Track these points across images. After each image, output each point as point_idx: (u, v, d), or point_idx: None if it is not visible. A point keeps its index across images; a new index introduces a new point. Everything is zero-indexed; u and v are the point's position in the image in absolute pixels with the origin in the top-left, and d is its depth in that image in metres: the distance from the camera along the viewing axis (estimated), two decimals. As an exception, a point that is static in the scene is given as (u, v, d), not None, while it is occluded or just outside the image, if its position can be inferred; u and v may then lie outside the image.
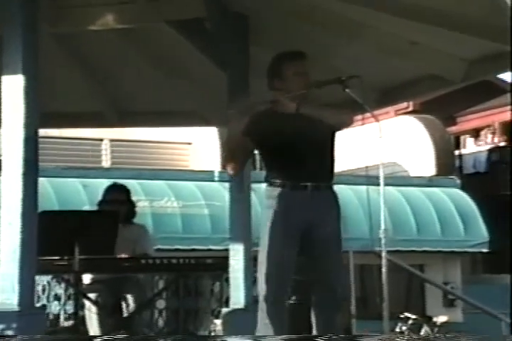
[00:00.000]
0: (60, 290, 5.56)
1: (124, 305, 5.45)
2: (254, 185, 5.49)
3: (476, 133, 20.70)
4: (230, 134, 4.26)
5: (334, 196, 4.23)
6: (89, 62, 6.34)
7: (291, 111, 4.11)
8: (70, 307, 5.37)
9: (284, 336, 3.78)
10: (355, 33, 5.07)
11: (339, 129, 4.21)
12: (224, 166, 4.51)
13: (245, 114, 4.13)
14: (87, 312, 5.37)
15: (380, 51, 5.22)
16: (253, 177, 5.55)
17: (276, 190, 4.12)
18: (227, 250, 5.38)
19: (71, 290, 5.35)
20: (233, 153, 4.21)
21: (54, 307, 5.52)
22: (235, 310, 5.20)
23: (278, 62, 4.21)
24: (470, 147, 19.19)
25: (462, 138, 20.22)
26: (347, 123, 4.23)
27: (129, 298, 5.48)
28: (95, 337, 4.04)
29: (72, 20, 5.35)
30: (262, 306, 4.06)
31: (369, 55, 5.27)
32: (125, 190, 5.86)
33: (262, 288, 4.07)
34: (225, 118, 5.63)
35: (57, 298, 5.54)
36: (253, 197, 5.60)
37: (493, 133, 19.92)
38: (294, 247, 4.08)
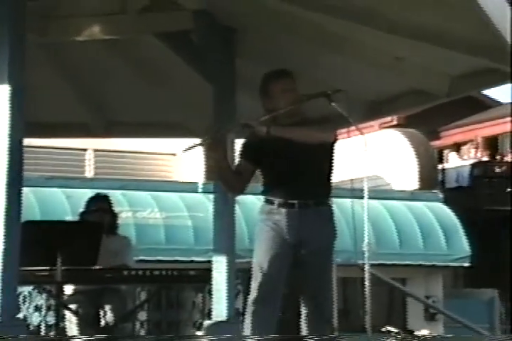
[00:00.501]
0: (41, 301, 5.52)
1: (105, 316, 5.42)
2: (238, 198, 5.49)
3: (457, 147, 20.80)
4: (215, 163, 4.32)
5: (326, 213, 4.23)
6: (75, 72, 6.34)
7: (263, 135, 4.16)
8: (51, 319, 5.33)
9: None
10: (341, 47, 5.10)
11: (323, 144, 4.22)
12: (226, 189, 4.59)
13: (220, 142, 4.23)
14: (67, 324, 5.34)
15: (366, 65, 5.24)
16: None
17: (267, 207, 4.22)
18: (210, 262, 5.37)
19: (52, 301, 5.31)
20: (228, 174, 4.29)
21: (35, 319, 5.49)
22: (217, 323, 5.18)
23: (265, 82, 4.30)
24: (452, 161, 19.27)
25: (445, 152, 20.32)
26: (325, 140, 4.23)
27: (111, 309, 5.45)
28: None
29: (60, 30, 5.34)
30: (250, 309, 4.11)
31: (355, 69, 5.30)
32: (108, 201, 5.84)
33: (253, 293, 4.13)
34: (209, 130, 5.65)
35: (38, 308, 5.51)
36: (237, 209, 5.60)
37: (476, 148, 20.02)
38: (283, 261, 4.13)
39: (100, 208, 5.71)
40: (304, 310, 4.18)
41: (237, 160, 4.41)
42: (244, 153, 4.31)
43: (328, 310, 4.20)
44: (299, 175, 4.17)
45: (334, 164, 4.36)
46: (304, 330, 4.15)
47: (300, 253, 4.15)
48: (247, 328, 4.09)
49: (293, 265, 4.16)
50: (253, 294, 4.12)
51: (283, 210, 4.15)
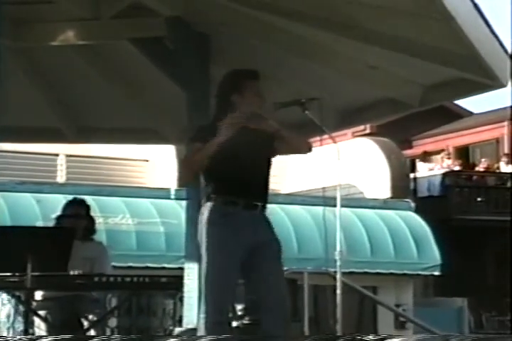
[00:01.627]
0: (10, 307, 5.46)
1: (75, 322, 5.38)
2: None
3: (427, 157, 20.94)
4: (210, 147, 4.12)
5: (266, 215, 4.18)
6: (48, 77, 6.31)
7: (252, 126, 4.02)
8: (19, 325, 5.28)
9: None
10: (315, 55, 5.12)
11: (287, 153, 4.20)
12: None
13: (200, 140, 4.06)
14: (36, 330, 5.29)
15: (340, 74, 5.27)
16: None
17: (226, 208, 4.04)
18: (181, 268, 5.35)
19: (21, 308, 5.26)
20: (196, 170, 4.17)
21: (3, 325, 5.43)
22: (187, 330, 5.16)
23: (238, 78, 4.13)
24: (421, 171, 19.38)
25: (417, 161, 20.45)
26: (304, 152, 4.20)
27: (81, 315, 5.41)
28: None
29: (33, 35, 5.32)
30: (202, 327, 4.03)
31: (329, 78, 5.32)
32: (85, 205, 5.79)
33: (202, 309, 4.03)
34: (183, 137, 5.63)
35: (6, 315, 5.45)
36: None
37: (449, 158, 20.17)
38: (237, 268, 4.04)
39: (76, 213, 5.66)
40: (261, 314, 4.11)
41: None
42: (201, 143, 4.03)
43: (285, 309, 4.11)
44: (256, 175, 4.07)
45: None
46: (262, 328, 4.10)
47: (256, 256, 4.05)
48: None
49: (250, 268, 4.06)
50: (204, 311, 4.00)
51: (248, 212, 4.02)
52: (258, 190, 4.09)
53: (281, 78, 5.23)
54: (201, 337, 3.71)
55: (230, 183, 4.06)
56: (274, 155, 4.17)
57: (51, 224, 5.87)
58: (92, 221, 5.75)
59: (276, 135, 4.07)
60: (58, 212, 5.72)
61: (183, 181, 4.50)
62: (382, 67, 5.09)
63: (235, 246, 4.02)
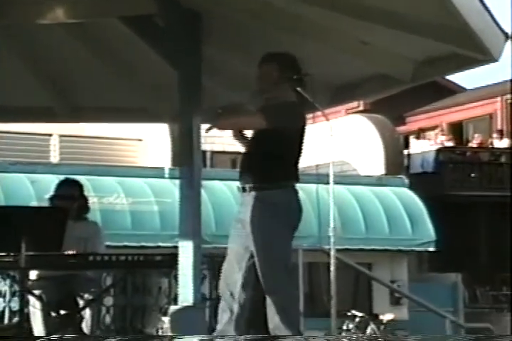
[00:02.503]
0: (4, 287, 5.47)
1: (70, 302, 5.39)
2: (204, 182, 5.48)
3: (420, 133, 20.93)
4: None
5: (261, 196, 4.24)
6: (38, 56, 6.27)
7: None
8: (15, 305, 5.29)
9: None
10: (306, 31, 5.09)
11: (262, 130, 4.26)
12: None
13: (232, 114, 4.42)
14: (31, 309, 5.30)
15: (331, 50, 5.24)
16: (204, 174, 5.54)
17: None
18: (176, 247, 5.36)
19: (16, 287, 5.27)
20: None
21: (-1, 305, 5.45)
22: (183, 308, 5.18)
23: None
24: (414, 147, 19.37)
25: (411, 137, 20.45)
26: (253, 127, 4.31)
27: (76, 294, 5.42)
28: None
29: (23, 13, 5.27)
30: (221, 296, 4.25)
31: (320, 54, 5.29)
32: (78, 185, 5.78)
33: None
34: (176, 115, 5.62)
35: (1, 294, 5.46)
36: (203, 194, 5.59)
37: (443, 134, 20.16)
38: (242, 246, 4.20)
39: (68, 193, 5.66)
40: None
41: None
42: None
43: (280, 297, 4.18)
44: (248, 160, 4.30)
45: (277, 149, 4.30)
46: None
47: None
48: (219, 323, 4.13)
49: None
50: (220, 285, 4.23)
51: (241, 195, 4.30)
52: (245, 173, 4.29)
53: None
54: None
55: None
56: (259, 139, 4.23)
57: (45, 204, 5.87)
58: (85, 200, 5.75)
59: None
60: (52, 193, 5.71)
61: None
62: (374, 43, 5.06)
63: (235, 225, 4.28)
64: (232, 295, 4.15)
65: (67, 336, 4.59)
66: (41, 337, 4.96)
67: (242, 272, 4.17)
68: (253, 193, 4.22)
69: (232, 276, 4.17)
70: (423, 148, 19.60)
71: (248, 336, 4.07)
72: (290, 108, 4.23)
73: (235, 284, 4.17)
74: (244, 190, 4.28)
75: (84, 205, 5.72)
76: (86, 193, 5.82)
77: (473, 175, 18.76)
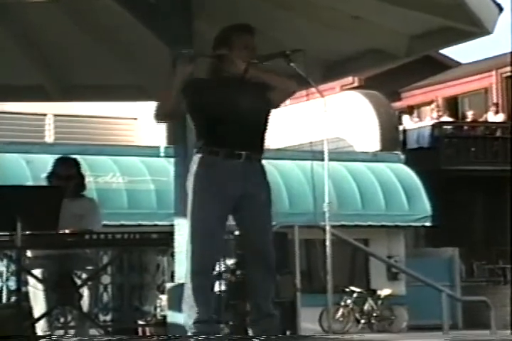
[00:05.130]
0: (1, 266, 5.49)
1: (67, 280, 5.40)
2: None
3: (411, 110, 20.87)
4: (175, 80, 4.13)
5: (264, 169, 4.15)
6: (28, 34, 6.23)
7: (238, 72, 4.03)
8: (12, 284, 5.31)
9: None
10: (298, 7, 5.07)
11: (282, 99, 4.16)
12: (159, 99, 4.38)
13: (189, 64, 4.08)
14: (31, 289, 5.32)
15: (323, 25, 5.22)
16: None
17: (209, 158, 4.04)
18: (173, 225, 5.36)
19: (13, 267, 5.28)
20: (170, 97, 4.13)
21: (-4, 284, 5.46)
22: (179, 285, 5.19)
23: (228, 33, 4.17)
24: (406, 124, 19.32)
25: (403, 115, 20.37)
26: (290, 92, 4.14)
27: (73, 273, 5.44)
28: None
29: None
30: (187, 278, 4.07)
31: (312, 29, 5.27)
32: (74, 164, 5.77)
33: (188, 266, 4.06)
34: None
35: (-1, 274, 5.47)
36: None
37: (439, 111, 20.13)
38: (219, 221, 4.04)
39: (65, 171, 5.65)
40: (248, 263, 4.13)
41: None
42: (188, 85, 4.07)
43: (270, 261, 4.10)
44: (248, 127, 4.04)
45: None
46: (250, 281, 4.13)
47: (244, 206, 4.04)
48: (188, 298, 4.03)
49: (237, 221, 4.09)
50: (191, 261, 4.04)
51: (230, 162, 4.00)
52: (243, 140, 4.05)
53: (264, 31, 5.17)
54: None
55: (213, 133, 4.06)
56: (269, 106, 4.15)
57: (41, 184, 5.86)
58: (82, 178, 5.74)
59: (267, 80, 4.05)
60: (48, 171, 5.70)
61: (155, 117, 4.43)
62: (366, 18, 5.04)
63: (216, 198, 4.01)
64: (211, 271, 4.09)
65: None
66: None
67: (222, 246, 4.13)
68: (250, 161, 4.04)
69: (212, 250, 4.09)
70: (419, 123, 19.59)
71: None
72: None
73: (214, 258, 4.12)
74: (238, 156, 4.00)
75: (81, 183, 5.71)
76: (82, 171, 5.81)
77: (468, 149, 18.78)
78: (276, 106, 4.18)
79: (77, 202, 5.55)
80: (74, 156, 6.02)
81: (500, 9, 4.72)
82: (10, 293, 5.40)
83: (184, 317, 4.10)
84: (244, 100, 4.07)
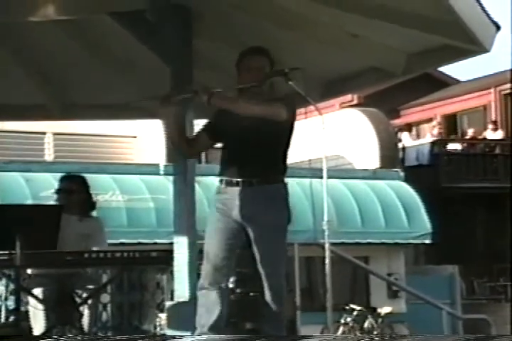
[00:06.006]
0: (1, 286, 5.47)
1: (67, 299, 5.39)
2: (199, 178, 5.47)
3: (410, 127, 20.88)
4: (165, 123, 4.39)
5: (272, 191, 4.21)
6: (31, 53, 6.26)
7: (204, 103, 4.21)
8: (11, 303, 5.29)
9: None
10: (297, 25, 5.09)
11: (273, 121, 4.20)
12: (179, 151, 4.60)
13: (168, 103, 4.31)
14: (31, 308, 5.30)
15: (322, 43, 5.24)
16: (198, 170, 5.53)
17: (218, 186, 4.31)
18: (173, 243, 5.36)
19: (12, 286, 5.27)
20: (176, 137, 4.36)
21: (-5, 303, 5.44)
22: (179, 304, 5.18)
23: (238, 57, 4.38)
24: (405, 141, 19.33)
25: (399, 133, 20.39)
26: (275, 117, 4.18)
27: (73, 292, 5.42)
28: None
29: (13, 10, 5.25)
30: (198, 294, 4.24)
31: (311, 48, 5.29)
32: (80, 181, 5.79)
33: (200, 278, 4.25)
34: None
35: (-2, 293, 5.46)
36: (198, 189, 5.58)
37: (440, 128, 20.15)
38: (231, 243, 4.20)
39: (69, 189, 5.65)
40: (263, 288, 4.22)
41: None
42: (206, 122, 4.39)
43: (280, 287, 4.19)
44: (244, 152, 4.18)
45: (288, 143, 4.33)
46: (262, 307, 4.19)
47: (248, 232, 4.17)
48: (199, 311, 4.15)
49: (246, 244, 4.20)
50: (201, 278, 4.25)
51: (229, 189, 4.19)
52: (240, 167, 4.18)
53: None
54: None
55: (220, 162, 4.31)
56: (264, 130, 4.18)
57: (41, 202, 5.86)
58: (89, 197, 5.75)
59: (221, 106, 4.22)
60: (48, 190, 5.71)
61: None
62: (365, 36, 5.06)
63: (220, 224, 4.21)
64: (222, 289, 4.17)
65: (66, 336, 4.59)
66: (41, 336, 4.96)
67: (230, 265, 4.20)
68: (249, 188, 4.17)
69: (220, 270, 4.18)
70: (418, 140, 19.61)
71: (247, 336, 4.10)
72: (294, 100, 4.27)
73: (223, 277, 4.19)
74: (236, 184, 4.20)
75: (88, 201, 5.72)
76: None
77: (468, 167, 18.79)
78: (271, 127, 4.20)
79: (84, 221, 5.56)
80: (81, 174, 6.04)
81: (498, 28, 4.75)
82: (9, 312, 5.38)
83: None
84: (239, 129, 4.21)
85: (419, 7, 4.53)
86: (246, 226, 4.18)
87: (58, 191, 5.64)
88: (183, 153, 4.54)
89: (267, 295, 4.15)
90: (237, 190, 4.18)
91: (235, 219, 4.19)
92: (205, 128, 4.36)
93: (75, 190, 5.64)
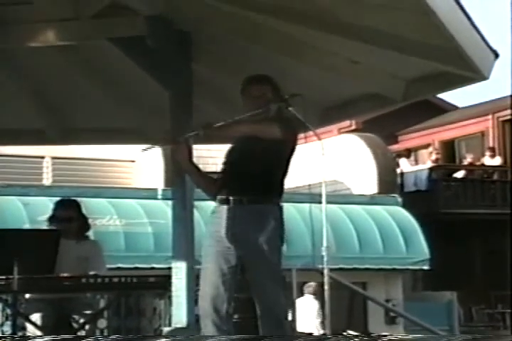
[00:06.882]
0: (-2, 310, 5.44)
1: (64, 324, 5.36)
2: (197, 203, 5.47)
3: (409, 153, 20.91)
4: (182, 167, 4.45)
5: (258, 211, 4.21)
6: (29, 78, 6.28)
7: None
8: (7, 329, 5.26)
9: None
10: (296, 51, 5.12)
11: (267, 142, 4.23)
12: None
13: (183, 145, 4.39)
14: (27, 333, 5.27)
15: (322, 70, 5.27)
16: (196, 194, 5.53)
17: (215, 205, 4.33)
18: (170, 268, 5.34)
19: (9, 311, 5.24)
20: (195, 179, 4.47)
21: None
22: (176, 329, 5.16)
23: (241, 86, 4.42)
24: (404, 167, 19.35)
25: (397, 159, 20.40)
26: (266, 135, 4.23)
27: (70, 317, 5.40)
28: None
29: (14, 36, 5.28)
30: (201, 323, 4.19)
31: (311, 74, 5.32)
32: (75, 206, 5.78)
33: (199, 305, 4.19)
34: (168, 137, 5.63)
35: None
36: (196, 214, 5.57)
37: (438, 153, 20.18)
38: (226, 263, 4.15)
39: (65, 214, 5.64)
40: (257, 311, 4.19)
41: None
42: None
43: (277, 310, 4.16)
44: (236, 171, 4.24)
45: (285, 166, 4.34)
46: (260, 331, 4.16)
47: (238, 252, 4.16)
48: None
49: (239, 264, 4.19)
50: (200, 306, 4.20)
51: (221, 207, 4.20)
52: (232, 185, 4.21)
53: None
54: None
55: (216, 182, 4.33)
56: (256, 150, 4.20)
57: (38, 226, 5.84)
58: (84, 220, 5.75)
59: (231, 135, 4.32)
60: (46, 215, 5.70)
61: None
62: (364, 62, 5.09)
63: (214, 242, 4.21)
64: (221, 315, 4.13)
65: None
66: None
67: (229, 291, 4.16)
68: (245, 206, 4.16)
69: (219, 296, 4.15)
70: (416, 166, 19.62)
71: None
72: (292, 123, 4.30)
73: (222, 303, 4.15)
74: (227, 202, 4.19)
75: (83, 225, 5.71)
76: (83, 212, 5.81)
77: (466, 193, 18.80)
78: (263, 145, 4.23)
79: (81, 244, 5.55)
80: (74, 198, 6.02)
81: (496, 55, 4.77)
82: (5, 338, 5.34)
83: None
84: (233, 149, 4.30)
85: (419, 34, 4.55)
86: (235, 246, 4.14)
87: (52, 218, 5.63)
88: (206, 192, 4.49)
89: (265, 322, 4.11)
90: (227, 208, 4.18)
91: (226, 241, 4.17)
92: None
93: (71, 216, 5.63)
